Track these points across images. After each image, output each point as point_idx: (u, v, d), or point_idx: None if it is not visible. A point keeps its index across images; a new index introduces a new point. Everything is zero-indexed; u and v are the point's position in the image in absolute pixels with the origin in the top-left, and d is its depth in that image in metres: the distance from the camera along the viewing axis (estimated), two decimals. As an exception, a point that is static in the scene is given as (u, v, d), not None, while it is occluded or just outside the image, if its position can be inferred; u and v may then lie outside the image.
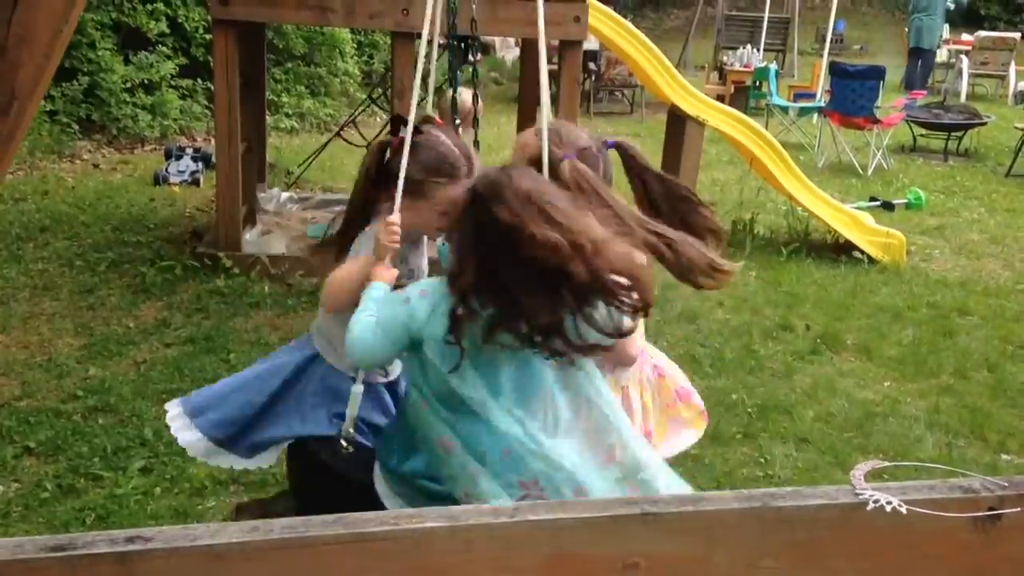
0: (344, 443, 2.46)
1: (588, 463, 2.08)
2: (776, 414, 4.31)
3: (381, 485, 2.36)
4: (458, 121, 3.89)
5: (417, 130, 2.42)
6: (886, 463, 1.42)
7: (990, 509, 1.34)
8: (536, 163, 2.39)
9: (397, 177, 2.39)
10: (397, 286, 2.34)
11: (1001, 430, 4.28)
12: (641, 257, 2.17)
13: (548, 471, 2.04)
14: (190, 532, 1.21)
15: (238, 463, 2.69)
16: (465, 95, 4.54)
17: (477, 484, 2.07)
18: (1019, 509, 1.33)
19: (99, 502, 3.37)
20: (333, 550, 1.22)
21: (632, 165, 2.58)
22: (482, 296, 2.03)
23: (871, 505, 1.30)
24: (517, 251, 1.97)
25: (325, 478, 2.59)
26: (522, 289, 1.98)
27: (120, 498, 3.38)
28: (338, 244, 2.56)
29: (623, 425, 2.18)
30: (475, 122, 3.93)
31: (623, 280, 2.02)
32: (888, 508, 1.29)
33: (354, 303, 2.30)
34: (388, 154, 2.50)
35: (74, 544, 1.17)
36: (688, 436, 2.69)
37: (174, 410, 2.69)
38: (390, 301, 2.22)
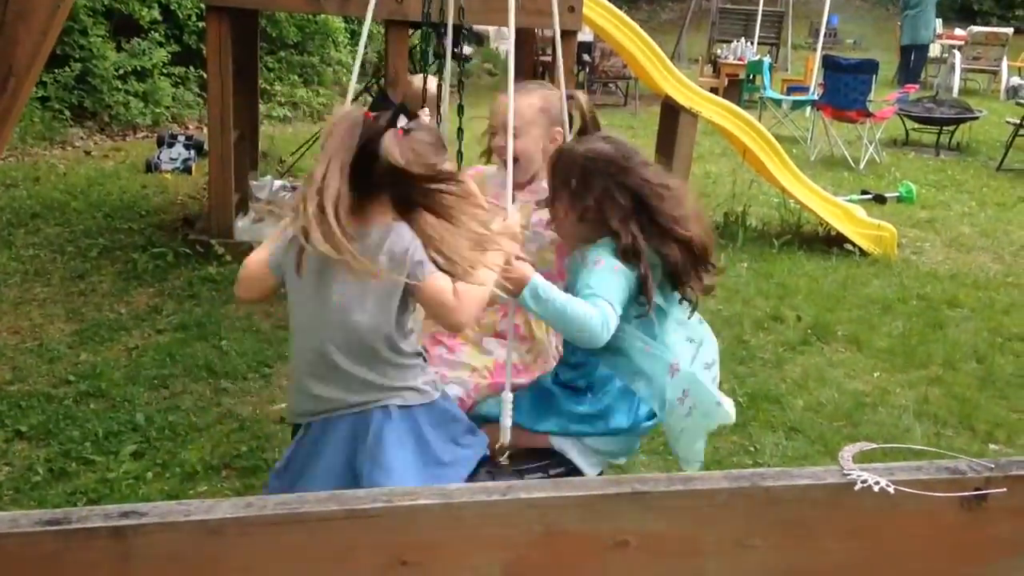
0: (504, 460, 2.39)
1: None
2: (766, 403, 4.33)
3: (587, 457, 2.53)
4: (425, 108, 3.85)
5: (397, 108, 2.24)
6: (874, 445, 1.43)
7: (976, 490, 1.35)
8: (547, 113, 2.72)
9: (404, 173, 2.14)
10: None
11: (989, 420, 4.31)
12: None
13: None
14: (184, 507, 1.21)
15: None
16: (430, 84, 4.54)
17: (700, 389, 2.38)
18: (1005, 490, 1.35)
19: (90, 486, 3.37)
20: (327, 526, 1.23)
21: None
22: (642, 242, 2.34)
23: (859, 485, 1.31)
24: (657, 213, 2.35)
25: None
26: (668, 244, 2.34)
27: (111, 482, 3.39)
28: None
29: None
30: (459, 109, 3.88)
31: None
32: (876, 488, 1.31)
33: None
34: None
35: (69, 518, 1.18)
36: None
37: None
38: (603, 275, 2.30)
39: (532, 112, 2.71)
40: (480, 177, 2.80)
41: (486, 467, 2.36)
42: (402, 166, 2.08)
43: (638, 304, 2.36)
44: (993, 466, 1.37)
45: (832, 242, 6.84)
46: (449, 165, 2.33)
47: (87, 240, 5.92)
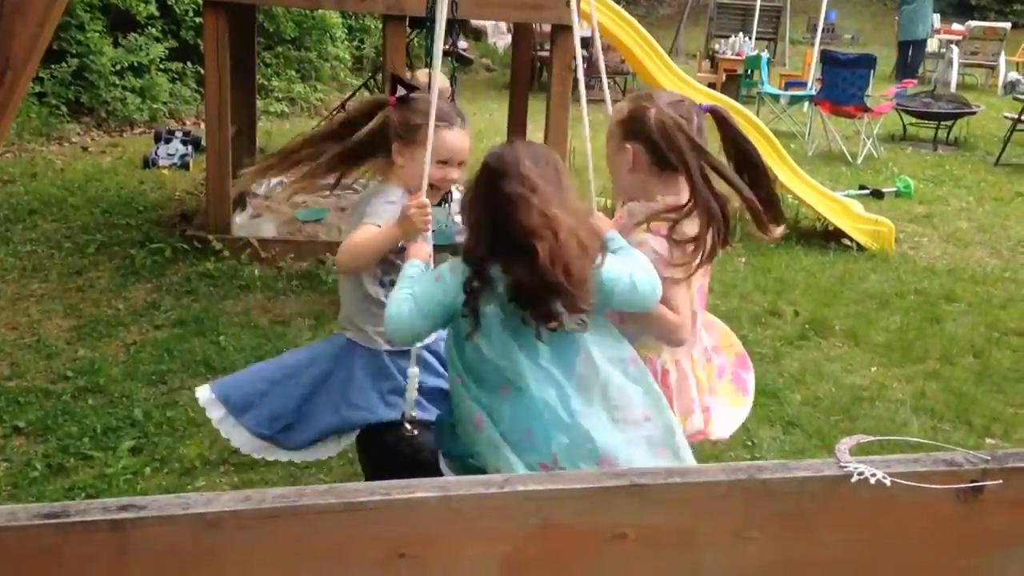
0: (408, 426, 2.47)
1: (618, 426, 2.14)
2: (764, 398, 4.33)
3: (445, 470, 2.41)
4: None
5: (411, 88, 2.61)
6: (871, 437, 1.43)
7: (972, 482, 1.36)
8: (625, 124, 2.48)
9: (396, 134, 2.55)
10: None
11: (986, 415, 4.31)
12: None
13: (573, 445, 2.08)
14: (183, 500, 1.22)
15: (288, 456, 2.72)
16: (441, 79, 4.55)
17: (507, 460, 2.12)
18: (1001, 482, 1.35)
19: (89, 481, 3.37)
20: (325, 519, 1.23)
21: (726, 130, 2.60)
22: (493, 257, 2.13)
23: (855, 477, 1.32)
24: (509, 225, 2.07)
25: (395, 464, 2.54)
26: (513, 261, 2.08)
27: (110, 477, 3.39)
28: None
29: (659, 391, 2.27)
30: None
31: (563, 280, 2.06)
32: (872, 480, 1.31)
33: (367, 269, 2.53)
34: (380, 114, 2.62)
35: (67, 511, 1.18)
36: (733, 413, 2.68)
37: (216, 411, 2.67)
38: (424, 279, 2.28)
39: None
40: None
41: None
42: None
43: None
44: (989, 458, 1.38)
45: (830, 237, 6.84)
46: (452, 131, 2.56)
47: (85, 236, 5.92)
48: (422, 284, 2.25)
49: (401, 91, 2.59)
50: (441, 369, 2.69)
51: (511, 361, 2.13)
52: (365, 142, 2.60)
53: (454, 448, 2.37)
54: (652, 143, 2.41)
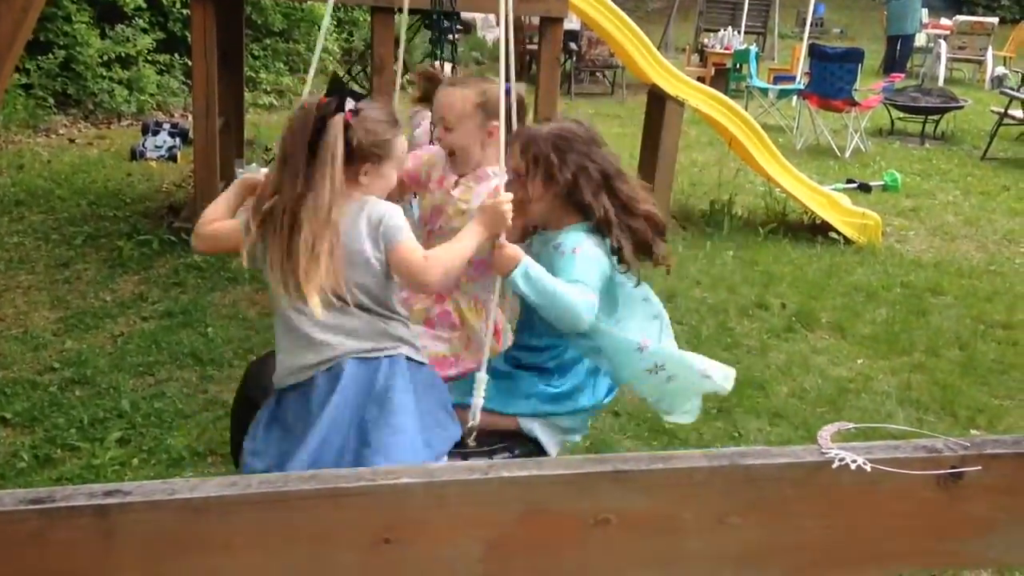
0: (471, 439, 2.39)
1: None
2: (751, 390, 4.36)
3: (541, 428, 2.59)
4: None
5: (358, 97, 2.33)
6: (852, 425, 1.45)
7: (952, 468, 1.37)
8: (485, 106, 2.67)
9: (358, 153, 2.28)
10: None
11: (971, 406, 4.35)
12: None
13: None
14: (168, 486, 1.22)
15: None
16: (445, 71, 4.56)
17: (684, 359, 2.46)
18: (980, 468, 1.37)
19: (76, 472, 3.37)
20: (310, 504, 1.24)
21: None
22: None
23: (836, 463, 1.33)
24: (618, 190, 2.46)
25: None
26: (623, 212, 2.46)
27: (97, 468, 3.39)
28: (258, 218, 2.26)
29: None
30: None
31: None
32: (853, 466, 1.32)
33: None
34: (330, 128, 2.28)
35: (53, 497, 1.18)
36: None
37: None
38: (581, 262, 2.39)
39: (468, 106, 2.69)
40: (431, 158, 2.87)
41: (456, 449, 2.37)
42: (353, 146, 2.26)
43: (609, 289, 2.48)
44: (969, 445, 1.39)
45: (817, 230, 6.87)
46: (402, 139, 2.42)
47: (72, 228, 5.90)
48: (583, 267, 2.37)
49: (352, 104, 2.28)
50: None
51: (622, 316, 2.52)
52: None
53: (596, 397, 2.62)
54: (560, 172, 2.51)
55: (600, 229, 2.47)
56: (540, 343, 2.61)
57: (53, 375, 4.08)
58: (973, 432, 4.12)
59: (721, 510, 1.34)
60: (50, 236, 5.75)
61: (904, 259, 6.56)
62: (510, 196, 2.39)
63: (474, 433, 2.41)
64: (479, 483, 1.29)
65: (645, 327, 2.54)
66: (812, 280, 5.94)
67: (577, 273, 2.35)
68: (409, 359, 2.34)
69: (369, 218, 2.28)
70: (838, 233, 6.77)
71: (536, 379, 2.58)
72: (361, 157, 2.30)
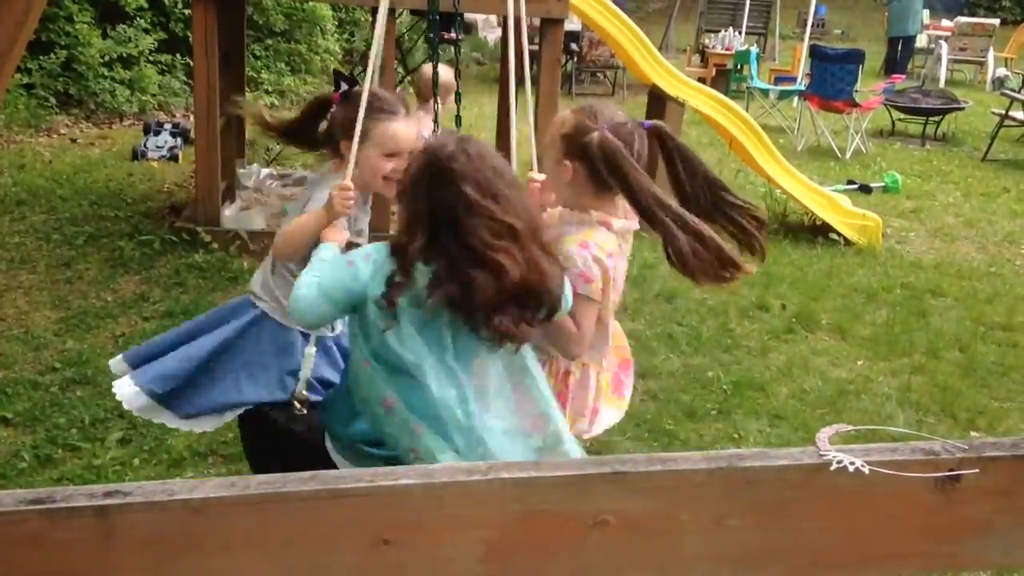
0: (298, 404, 2.51)
1: (507, 436, 2.13)
2: (751, 391, 4.37)
3: (332, 451, 2.41)
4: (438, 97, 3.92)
5: (352, 82, 2.59)
6: (851, 427, 1.45)
7: (950, 470, 1.37)
8: (569, 140, 2.41)
9: (341, 132, 2.51)
10: (352, 245, 2.44)
11: (971, 408, 4.35)
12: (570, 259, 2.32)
13: (467, 446, 2.08)
14: (168, 487, 1.22)
15: (174, 423, 2.61)
16: (445, 72, 4.58)
17: (420, 439, 2.10)
18: (977, 471, 1.37)
19: (77, 472, 3.38)
20: (309, 506, 1.24)
21: (666, 149, 2.52)
22: (427, 256, 2.06)
23: (835, 465, 1.33)
24: (465, 235, 2.03)
25: (283, 443, 2.57)
26: (469, 264, 2.02)
27: (98, 468, 3.40)
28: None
29: (551, 399, 2.25)
30: (457, 97, 3.95)
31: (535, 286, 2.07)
32: (851, 468, 1.33)
33: (303, 256, 2.42)
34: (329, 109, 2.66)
35: (53, 497, 1.19)
36: (610, 414, 2.68)
37: (118, 365, 2.68)
38: (335, 263, 2.27)
39: (555, 134, 2.53)
40: None
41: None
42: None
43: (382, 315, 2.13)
44: (967, 447, 1.39)
45: (817, 231, 6.87)
46: (389, 126, 2.51)
47: (73, 228, 5.90)
48: (332, 268, 2.24)
49: (344, 87, 2.59)
50: (341, 362, 2.65)
51: (416, 356, 2.09)
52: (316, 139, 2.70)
53: (344, 428, 2.35)
54: (593, 165, 2.38)
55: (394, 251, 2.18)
56: None
57: (54, 375, 4.08)
58: (973, 434, 4.12)
59: (720, 512, 1.34)
60: (51, 236, 5.76)
61: (904, 260, 6.56)
62: (350, 184, 2.44)
63: (303, 406, 2.53)
64: (478, 484, 1.29)
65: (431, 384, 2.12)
66: (812, 281, 5.94)
67: (333, 262, 2.33)
68: (265, 313, 2.63)
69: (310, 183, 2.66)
70: (838, 234, 6.77)
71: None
72: (340, 134, 2.54)
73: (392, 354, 2.10)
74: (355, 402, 2.27)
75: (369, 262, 2.14)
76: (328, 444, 2.41)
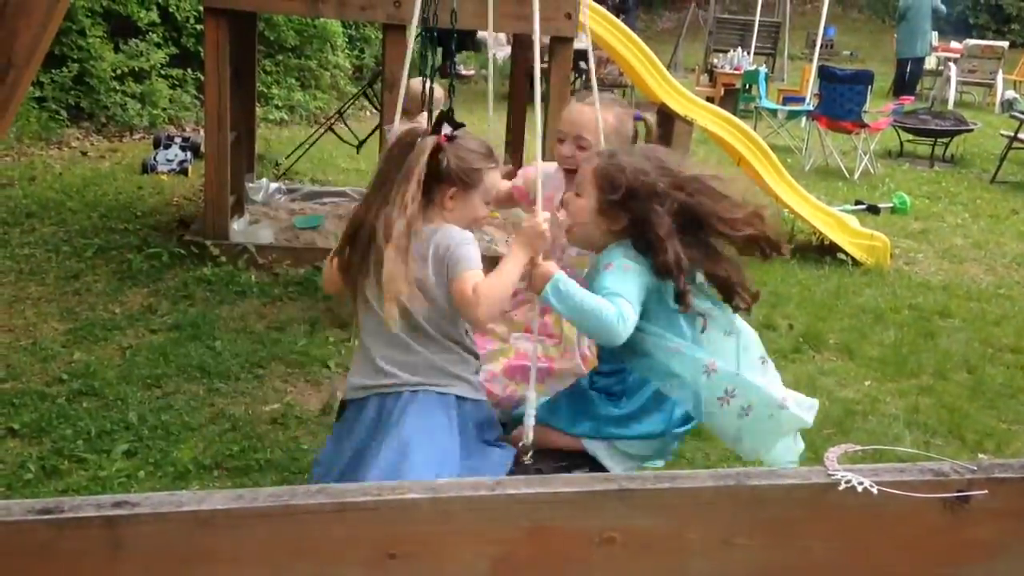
0: (527, 457, 2.40)
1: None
2: (757, 410, 4.34)
3: (607, 455, 2.44)
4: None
5: (458, 125, 2.43)
6: (859, 447, 1.45)
7: (959, 491, 1.37)
8: (599, 187, 2.49)
9: (446, 176, 2.37)
10: None
11: (979, 430, 4.33)
12: None
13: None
14: (176, 498, 1.23)
15: None
16: (437, 90, 4.64)
17: (743, 380, 2.39)
18: (987, 492, 1.37)
19: (82, 484, 3.37)
20: (317, 519, 1.24)
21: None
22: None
23: (843, 485, 1.33)
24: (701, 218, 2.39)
25: None
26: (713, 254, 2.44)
27: (104, 480, 3.39)
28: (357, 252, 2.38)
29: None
30: (450, 112, 3.95)
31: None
32: (859, 488, 1.32)
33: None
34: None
35: (61, 507, 1.19)
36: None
37: None
38: (612, 277, 2.35)
39: (607, 129, 2.73)
40: (531, 177, 2.88)
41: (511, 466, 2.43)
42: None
43: (666, 303, 2.41)
44: (976, 468, 1.39)
45: (825, 251, 6.87)
46: (495, 174, 2.47)
47: (82, 240, 5.92)
48: (615, 282, 2.32)
49: (449, 129, 2.40)
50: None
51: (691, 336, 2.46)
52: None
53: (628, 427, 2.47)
54: (625, 210, 2.44)
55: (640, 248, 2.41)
56: (608, 367, 2.59)
57: (61, 386, 4.09)
58: (981, 456, 4.10)
59: (727, 530, 1.34)
60: (61, 248, 5.78)
61: (912, 281, 6.54)
62: (547, 215, 2.40)
63: (529, 452, 2.41)
64: (485, 499, 1.29)
65: (717, 347, 2.45)
66: (820, 301, 5.93)
67: (609, 284, 2.32)
68: (460, 397, 2.41)
69: (437, 247, 2.34)
70: (846, 254, 6.76)
71: (604, 401, 2.53)
72: (449, 180, 2.38)
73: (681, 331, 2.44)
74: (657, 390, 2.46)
75: (631, 261, 2.39)
76: (597, 448, 2.47)
